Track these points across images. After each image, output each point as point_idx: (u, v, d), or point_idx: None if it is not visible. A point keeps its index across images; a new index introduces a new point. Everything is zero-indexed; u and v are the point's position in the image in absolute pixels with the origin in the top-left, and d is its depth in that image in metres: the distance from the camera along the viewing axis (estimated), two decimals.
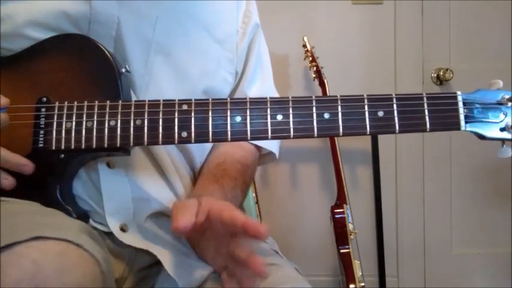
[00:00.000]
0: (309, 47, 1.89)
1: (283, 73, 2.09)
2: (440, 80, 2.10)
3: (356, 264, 1.75)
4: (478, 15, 2.09)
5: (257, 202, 1.73)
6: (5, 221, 0.53)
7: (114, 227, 0.71)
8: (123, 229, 0.72)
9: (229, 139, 0.65)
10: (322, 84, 1.86)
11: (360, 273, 1.75)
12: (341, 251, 1.77)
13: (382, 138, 2.00)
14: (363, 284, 1.73)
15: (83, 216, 0.69)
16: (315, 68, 1.87)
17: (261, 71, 0.92)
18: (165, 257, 0.69)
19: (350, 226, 1.79)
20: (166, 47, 0.76)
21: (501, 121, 0.66)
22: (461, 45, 2.10)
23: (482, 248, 2.15)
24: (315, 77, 1.89)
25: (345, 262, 1.75)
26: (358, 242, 1.81)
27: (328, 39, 2.07)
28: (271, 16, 2.06)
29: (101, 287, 0.53)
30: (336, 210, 1.80)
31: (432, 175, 2.14)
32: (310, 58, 1.89)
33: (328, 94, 1.83)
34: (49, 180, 0.67)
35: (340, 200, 1.82)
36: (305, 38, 1.90)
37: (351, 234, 1.78)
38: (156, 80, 0.74)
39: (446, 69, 2.06)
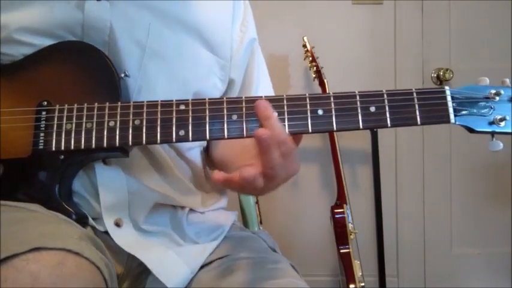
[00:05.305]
0: (309, 47, 1.89)
1: (283, 73, 2.10)
2: (440, 80, 2.10)
3: (356, 264, 1.75)
4: (478, 15, 2.10)
5: (257, 202, 1.73)
6: (5, 230, 0.54)
7: (108, 221, 0.72)
8: (118, 224, 0.73)
9: (226, 137, 0.67)
10: (322, 84, 1.86)
11: (360, 273, 1.75)
12: (341, 251, 1.77)
13: (382, 138, 2.00)
14: (363, 284, 1.74)
15: (82, 216, 0.70)
16: (315, 68, 1.88)
17: (263, 82, 0.94)
18: (154, 259, 0.70)
19: (350, 226, 1.79)
20: (160, 52, 0.77)
21: (489, 114, 0.68)
22: (461, 45, 2.11)
23: (482, 248, 2.15)
24: (315, 77, 1.89)
25: (345, 262, 1.75)
26: (358, 242, 1.81)
27: (328, 39, 2.08)
28: (272, 16, 2.06)
29: None
30: (336, 210, 1.80)
31: (432, 175, 2.14)
32: (310, 58, 1.89)
33: None
34: (49, 181, 0.68)
35: (340, 200, 1.83)
36: (305, 38, 1.90)
37: (351, 234, 1.78)
38: (148, 83, 0.76)
39: (446, 69, 2.06)
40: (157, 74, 0.76)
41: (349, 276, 1.72)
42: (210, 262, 0.76)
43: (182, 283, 0.71)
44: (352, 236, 1.78)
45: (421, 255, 2.16)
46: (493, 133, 0.69)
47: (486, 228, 2.14)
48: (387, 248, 2.04)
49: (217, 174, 0.61)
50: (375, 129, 1.95)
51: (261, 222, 1.72)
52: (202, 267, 0.75)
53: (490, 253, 2.14)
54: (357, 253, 1.79)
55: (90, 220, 0.72)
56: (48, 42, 0.71)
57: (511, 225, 2.10)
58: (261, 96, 0.67)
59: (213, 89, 0.84)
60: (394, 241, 2.14)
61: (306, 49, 1.90)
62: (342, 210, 1.80)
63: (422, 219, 2.15)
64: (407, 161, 2.13)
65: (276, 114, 0.64)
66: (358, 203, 2.02)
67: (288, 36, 2.06)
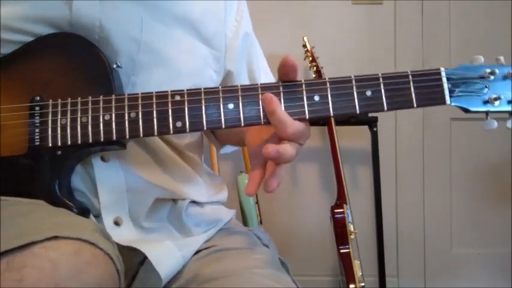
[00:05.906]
0: (309, 47, 1.90)
1: None
2: None
3: (356, 264, 1.75)
4: (478, 16, 2.10)
5: (257, 202, 1.73)
6: (17, 221, 0.54)
7: (107, 220, 0.72)
8: (117, 222, 0.73)
9: (223, 126, 0.66)
10: None
11: (360, 273, 1.75)
12: (341, 251, 1.77)
13: (382, 138, 2.00)
14: (362, 284, 1.73)
15: (84, 211, 0.70)
16: (315, 68, 1.88)
17: (264, 75, 0.94)
18: (154, 252, 0.70)
19: (350, 226, 1.79)
20: (153, 47, 0.76)
21: (484, 94, 0.67)
22: (461, 45, 2.11)
23: (482, 248, 2.15)
24: (315, 77, 1.89)
25: (345, 262, 1.75)
26: (358, 242, 1.81)
27: (328, 39, 2.08)
28: (272, 16, 2.07)
29: (117, 285, 0.54)
30: (336, 210, 1.80)
31: (432, 175, 2.14)
32: (310, 58, 1.89)
33: None
34: (47, 177, 0.67)
35: (340, 200, 1.83)
36: (305, 38, 1.91)
37: (351, 234, 1.78)
38: (142, 79, 0.75)
39: None
40: (151, 69, 0.76)
41: (349, 276, 1.72)
42: (199, 251, 0.76)
43: (173, 271, 0.71)
44: (352, 236, 1.78)
45: (421, 256, 2.16)
46: (487, 112, 0.68)
47: (486, 228, 2.14)
48: (387, 248, 2.03)
49: (249, 189, 0.65)
50: (375, 128, 1.95)
51: (261, 222, 1.72)
52: (193, 255, 0.76)
53: (490, 253, 2.14)
54: (357, 253, 1.79)
55: (91, 217, 0.71)
56: (31, 39, 0.70)
57: (511, 225, 2.10)
58: (257, 84, 0.67)
59: (209, 82, 0.84)
60: (394, 241, 2.14)
61: (306, 49, 1.90)
62: (342, 210, 1.80)
63: (422, 219, 2.15)
64: (407, 160, 2.13)
65: (281, 106, 0.65)
66: (358, 203, 2.01)
67: (288, 36, 2.07)
